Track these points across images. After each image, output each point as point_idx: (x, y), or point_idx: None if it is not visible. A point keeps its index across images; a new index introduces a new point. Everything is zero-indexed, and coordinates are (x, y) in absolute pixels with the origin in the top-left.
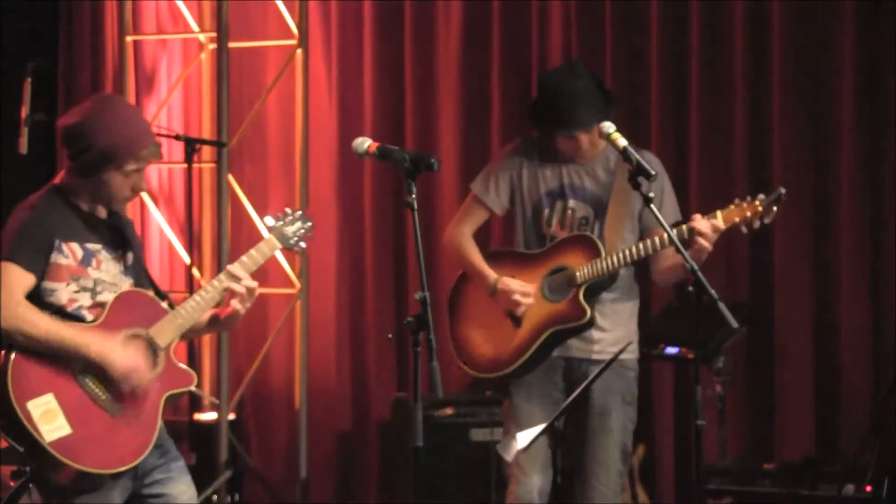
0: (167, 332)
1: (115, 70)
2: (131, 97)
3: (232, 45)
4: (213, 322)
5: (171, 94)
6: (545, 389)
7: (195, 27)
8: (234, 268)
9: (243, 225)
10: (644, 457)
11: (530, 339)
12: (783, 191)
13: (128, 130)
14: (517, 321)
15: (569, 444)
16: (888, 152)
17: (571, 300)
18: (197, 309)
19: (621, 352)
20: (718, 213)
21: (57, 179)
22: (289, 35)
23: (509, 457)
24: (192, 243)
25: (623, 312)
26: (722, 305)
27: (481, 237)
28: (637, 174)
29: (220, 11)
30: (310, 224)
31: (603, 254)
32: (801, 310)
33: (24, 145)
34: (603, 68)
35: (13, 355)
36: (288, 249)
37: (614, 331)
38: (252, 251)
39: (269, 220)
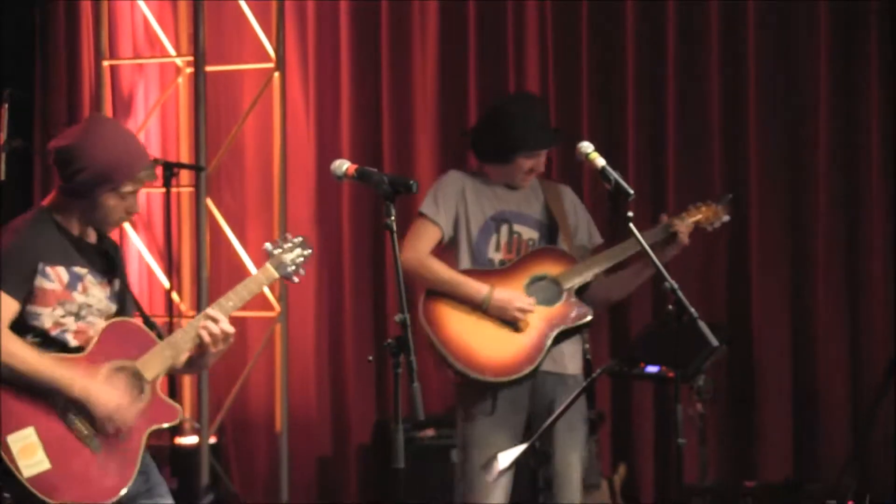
0: (155, 364)
1: (91, 95)
2: None
3: (209, 68)
4: (189, 363)
5: (148, 118)
6: (508, 413)
7: (172, 51)
8: (212, 310)
9: (222, 248)
10: (625, 476)
11: (540, 340)
12: (730, 195)
13: (124, 151)
14: (515, 328)
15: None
16: (865, 169)
17: (569, 301)
18: (185, 339)
19: (603, 371)
20: (684, 215)
21: (46, 201)
22: (266, 58)
23: (492, 478)
24: (171, 268)
25: None
26: (702, 324)
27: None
28: (616, 194)
29: (197, 35)
30: (310, 251)
31: (578, 259)
32: (780, 329)
33: (1, 172)
34: (579, 83)
35: None
36: (285, 278)
37: (571, 345)
38: (248, 281)
39: (268, 247)
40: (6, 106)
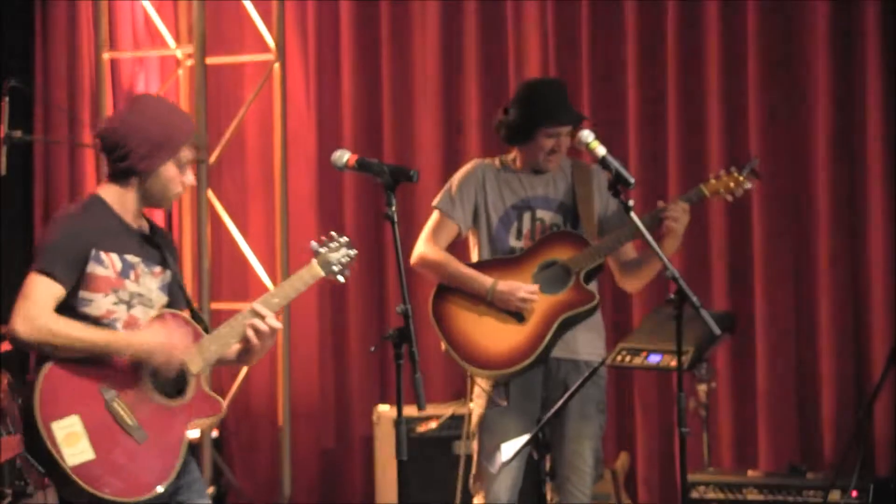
0: (200, 357)
1: (92, 87)
2: (109, 114)
3: (209, 60)
4: (242, 355)
5: None
6: (521, 400)
7: (172, 43)
8: (258, 306)
9: (223, 240)
10: (629, 465)
11: (543, 329)
12: (756, 159)
13: (174, 118)
14: (520, 318)
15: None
16: (865, 157)
17: (575, 287)
18: (231, 334)
19: (602, 363)
20: (702, 186)
21: (98, 189)
22: (266, 50)
23: (494, 469)
24: None
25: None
26: (704, 312)
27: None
28: (616, 182)
29: (197, 27)
30: (354, 252)
31: (589, 241)
32: (783, 317)
33: (2, 165)
34: (580, 73)
35: (45, 369)
36: (331, 277)
37: (587, 332)
38: (293, 278)
39: (314, 245)
40: (7, 99)
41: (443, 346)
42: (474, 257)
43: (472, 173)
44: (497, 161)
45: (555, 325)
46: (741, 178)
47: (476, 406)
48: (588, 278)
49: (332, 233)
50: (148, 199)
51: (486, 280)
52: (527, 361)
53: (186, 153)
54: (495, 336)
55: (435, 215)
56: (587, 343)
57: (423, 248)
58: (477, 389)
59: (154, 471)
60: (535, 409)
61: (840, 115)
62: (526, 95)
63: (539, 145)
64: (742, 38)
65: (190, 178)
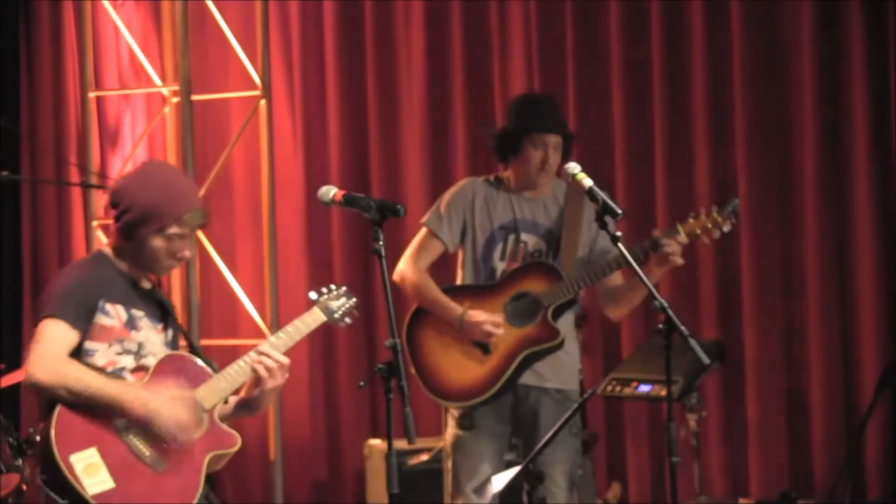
0: (212, 394)
1: (78, 126)
2: (95, 153)
3: (195, 97)
4: (243, 405)
5: (135, 148)
6: (492, 423)
7: (158, 81)
8: (262, 346)
9: (212, 276)
10: (620, 495)
11: (504, 363)
12: (737, 201)
13: (170, 193)
14: (485, 349)
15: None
16: (853, 178)
17: (540, 323)
18: (240, 373)
19: (593, 393)
20: (679, 226)
21: (103, 246)
22: (252, 86)
23: (486, 500)
24: None
25: (568, 341)
26: (693, 342)
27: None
28: (604, 213)
29: (183, 64)
30: (354, 300)
31: (564, 276)
32: (772, 345)
33: None
34: (565, 89)
35: (57, 411)
36: (332, 323)
37: (555, 360)
38: (295, 322)
39: (313, 295)
40: None
41: (411, 370)
42: (460, 276)
43: (463, 191)
44: (492, 178)
45: (517, 361)
46: (720, 220)
47: (449, 426)
48: (558, 313)
49: (331, 285)
50: (138, 264)
51: (456, 309)
52: (485, 395)
53: (175, 229)
54: (459, 366)
55: (422, 232)
56: (555, 371)
57: (405, 266)
58: (450, 411)
59: (174, 499)
60: (507, 431)
61: (827, 136)
62: (513, 107)
63: (527, 157)
64: (727, 43)
65: (183, 252)
